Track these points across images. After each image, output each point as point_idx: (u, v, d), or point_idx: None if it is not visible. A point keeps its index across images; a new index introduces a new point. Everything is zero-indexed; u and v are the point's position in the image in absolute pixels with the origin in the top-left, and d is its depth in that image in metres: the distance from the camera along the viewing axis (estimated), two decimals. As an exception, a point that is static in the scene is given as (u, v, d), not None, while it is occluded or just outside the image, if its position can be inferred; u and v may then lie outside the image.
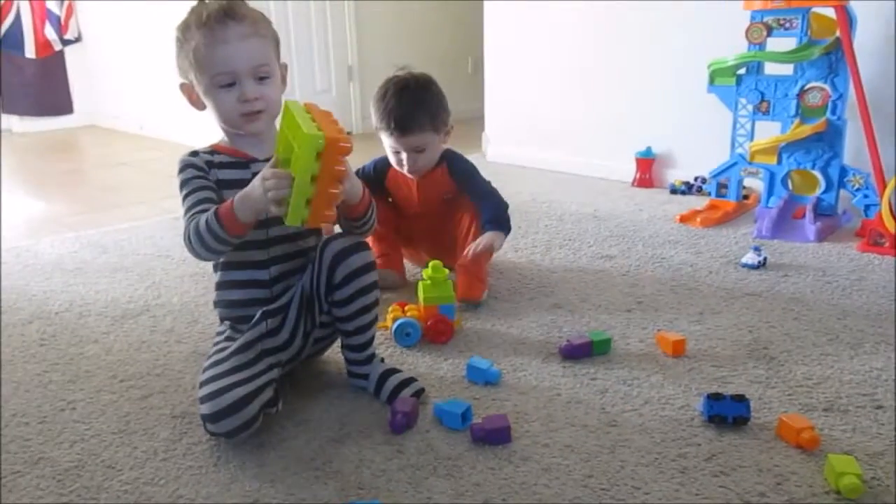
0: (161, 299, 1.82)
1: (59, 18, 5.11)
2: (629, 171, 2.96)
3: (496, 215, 1.85)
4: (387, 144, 1.82)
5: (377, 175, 1.90)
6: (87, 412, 1.30)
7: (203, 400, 1.14)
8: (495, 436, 1.16)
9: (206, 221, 1.17)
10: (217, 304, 1.35)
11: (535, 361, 1.45)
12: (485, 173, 1.96)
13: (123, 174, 3.59)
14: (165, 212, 2.71)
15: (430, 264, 1.62)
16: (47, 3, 5.04)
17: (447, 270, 1.63)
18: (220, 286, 1.33)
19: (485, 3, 3.44)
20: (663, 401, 1.30)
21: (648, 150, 2.90)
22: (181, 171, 1.27)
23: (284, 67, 1.34)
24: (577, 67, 3.13)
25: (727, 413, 1.20)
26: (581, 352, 1.46)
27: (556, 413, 1.26)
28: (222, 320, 1.35)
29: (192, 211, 1.22)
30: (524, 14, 3.28)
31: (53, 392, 1.37)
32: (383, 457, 1.14)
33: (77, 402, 1.33)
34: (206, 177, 1.27)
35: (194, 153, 1.29)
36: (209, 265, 1.39)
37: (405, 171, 1.83)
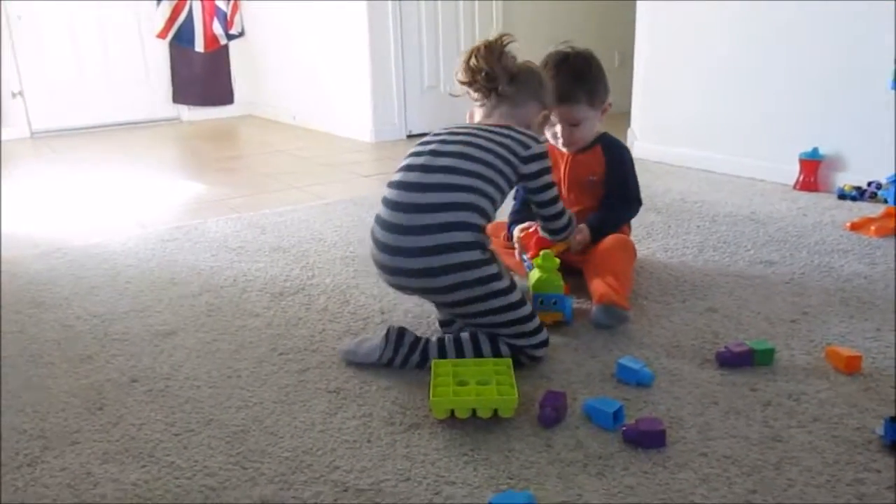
0: (315, 280, 1.91)
1: (225, 15, 5.49)
2: (790, 172, 2.76)
3: (603, 220, 1.79)
4: None
5: None
6: (250, 381, 1.38)
7: (536, 332, 1.39)
8: (649, 439, 1.12)
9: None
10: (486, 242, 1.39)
11: (689, 366, 1.39)
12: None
13: (278, 161, 3.80)
14: (317, 197, 2.84)
15: (542, 253, 1.59)
16: (216, 0, 5.43)
17: (557, 261, 1.60)
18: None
19: (638, -5, 3.33)
20: (835, 420, 1.20)
21: (815, 150, 2.69)
22: (547, 157, 1.48)
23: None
24: (734, 62, 2.96)
25: (913, 439, 1.09)
26: (740, 360, 1.37)
27: (714, 422, 1.20)
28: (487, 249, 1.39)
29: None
30: (678, 8, 3.14)
31: (221, 360, 1.47)
32: (532, 449, 1.13)
33: (241, 370, 1.42)
34: None
35: None
36: (360, 249, 1.52)
37: (560, 144, 1.83)
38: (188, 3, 5.40)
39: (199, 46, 5.50)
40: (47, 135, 5.03)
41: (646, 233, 2.20)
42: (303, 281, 1.90)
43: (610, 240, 1.75)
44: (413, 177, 1.39)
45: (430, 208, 1.34)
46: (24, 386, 1.39)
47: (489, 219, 1.40)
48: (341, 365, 1.43)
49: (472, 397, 1.20)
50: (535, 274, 1.58)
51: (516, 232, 1.78)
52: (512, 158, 1.42)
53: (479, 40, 1.50)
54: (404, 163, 1.45)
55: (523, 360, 1.38)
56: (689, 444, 1.14)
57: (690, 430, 1.17)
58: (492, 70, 1.47)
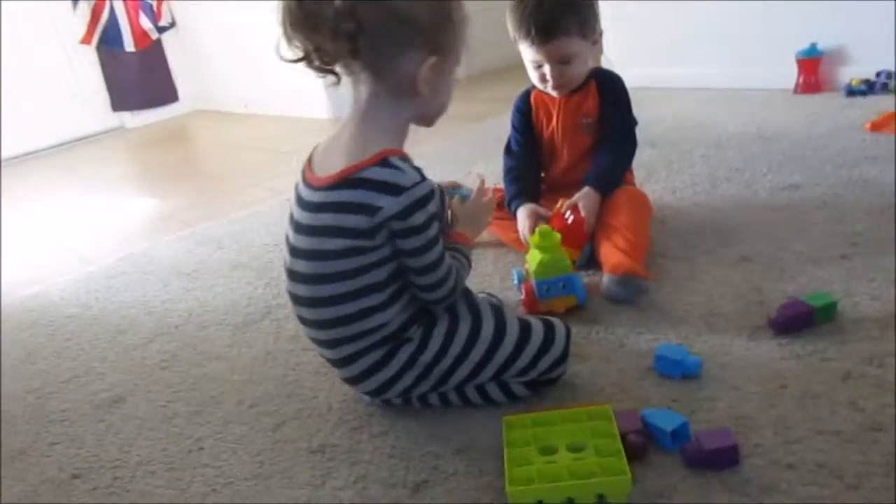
0: (281, 298, 1.64)
1: (151, 6, 5.08)
2: (789, 75, 2.49)
3: (604, 171, 1.53)
4: (527, 59, 1.53)
5: (524, 115, 1.65)
6: (216, 452, 1.13)
7: (542, 352, 1.07)
8: (718, 459, 0.88)
9: (466, 258, 1.13)
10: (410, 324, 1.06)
11: (738, 340, 1.15)
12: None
13: (231, 157, 3.50)
14: (276, 193, 2.55)
15: (539, 229, 1.32)
16: (139, -8, 5.01)
17: (558, 236, 1.32)
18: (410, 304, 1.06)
19: None
20: (937, 384, 0.96)
21: (812, 47, 2.41)
22: (433, 201, 0.99)
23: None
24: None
25: None
26: (799, 322, 1.13)
27: (790, 414, 0.96)
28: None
29: (445, 256, 1.05)
30: None
31: (179, 428, 1.21)
32: (574, 498, 0.89)
33: (205, 438, 1.17)
34: None
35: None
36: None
37: (549, 88, 1.54)
38: (108, 0, 4.99)
39: (130, 45, 5.09)
40: (-15, 170, 4.68)
41: (645, 173, 1.94)
42: (267, 302, 1.64)
43: (616, 194, 1.50)
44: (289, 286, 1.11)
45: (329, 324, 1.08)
46: (-54, 505, 1.14)
47: (394, 291, 1.03)
48: (322, 411, 1.18)
49: (566, 481, 0.87)
50: (534, 256, 1.32)
51: (520, 213, 1.52)
52: (363, 242, 0.99)
53: None
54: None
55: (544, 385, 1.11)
56: (769, 454, 0.90)
57: (765, 433, 0.93)
58: (320, 35, 0.94)
